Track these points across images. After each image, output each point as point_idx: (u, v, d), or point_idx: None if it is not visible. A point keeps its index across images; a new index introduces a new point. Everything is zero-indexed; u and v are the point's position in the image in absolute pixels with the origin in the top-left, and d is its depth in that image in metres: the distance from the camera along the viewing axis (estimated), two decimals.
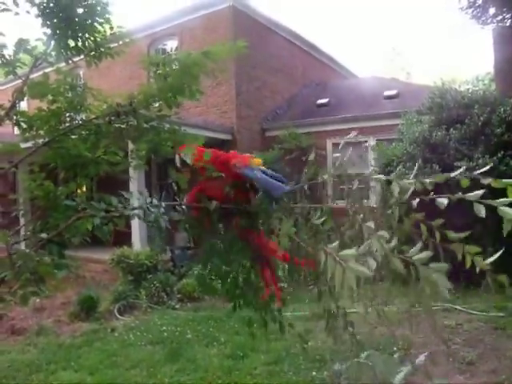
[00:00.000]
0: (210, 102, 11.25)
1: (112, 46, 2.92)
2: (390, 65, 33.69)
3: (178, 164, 1.96)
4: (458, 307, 5.83)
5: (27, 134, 2.60)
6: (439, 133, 7.25)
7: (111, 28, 2.83)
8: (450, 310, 5.84)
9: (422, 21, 49.43)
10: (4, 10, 2.54)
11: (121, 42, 3.02)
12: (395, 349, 4.63)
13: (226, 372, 4.47)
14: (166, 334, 5.70)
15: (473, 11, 9.36)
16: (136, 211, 1.98)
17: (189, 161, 1.93)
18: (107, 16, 2.72)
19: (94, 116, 2.57)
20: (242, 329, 5.69)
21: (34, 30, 3.04)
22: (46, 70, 2.67)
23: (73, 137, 2.53)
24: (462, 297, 6.13)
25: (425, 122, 7.85)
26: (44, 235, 2.08)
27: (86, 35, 2.73)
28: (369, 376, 2.65)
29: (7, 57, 2.55)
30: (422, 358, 3.20)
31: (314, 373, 4.30)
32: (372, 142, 10.22)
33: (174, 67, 2.48)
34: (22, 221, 4.54)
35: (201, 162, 1.93)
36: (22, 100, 2.58)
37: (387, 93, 11.60)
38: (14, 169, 2.55)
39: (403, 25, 55.81)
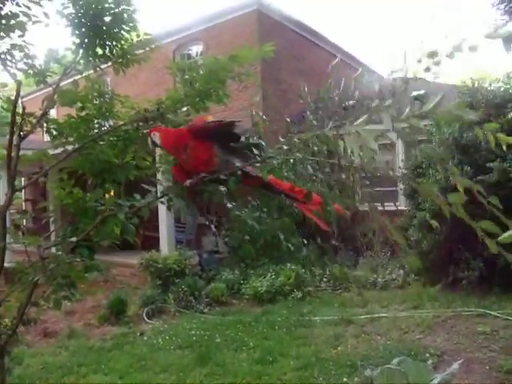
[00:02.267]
0: (236, 106, 11.23)
1: (138, 52, 2.95)
2: (416, 65, 33.20)
3: (150, 145, 2.11)
4: (492, 313, 5.63)
5: (57, 141, 2.65)
6: (470, 133, 7.04)
7: (138, 35, 2.86)
8: (484, 315, 5.65)
9: (448, 19, 48.40)
10: (35, 22, 2.60)
11: (147, 49, 3.05)
12: (427, 355, 4.51)
13: (255, 377, 4.43)
14: (194, 338, 5.70)
15: (505, 6, 9.09)
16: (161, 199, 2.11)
17: (158, 141, 2.07)
18: (134, 24, 2.75)
19: (122, 122, 2.60)
20: (270, 333, 5.66)
21: (62, 37, 3.09)
22: (74, 78, 2.71)
23: (101, 143, 2.57)
24: (497, 301, 5.93)
25: (455, 122, 7.64)
26: (74, 239, 2.11)
27: (114, 43, 2.76)
28: (401, 383, 2.58)
29: (38, 66, 2.61)
30: (456, 365, 3.09)
31: (344, 379, 4.21)
32: (399, 144, 10.02)
33: (200, 72, 2.48)
34: (52, 226, 4.62)
35: (167, 142, 2.10)
36: (53, 108, 2.63)
37: (414, 93, 11.38)
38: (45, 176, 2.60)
39: (430, 24, 54.84)
